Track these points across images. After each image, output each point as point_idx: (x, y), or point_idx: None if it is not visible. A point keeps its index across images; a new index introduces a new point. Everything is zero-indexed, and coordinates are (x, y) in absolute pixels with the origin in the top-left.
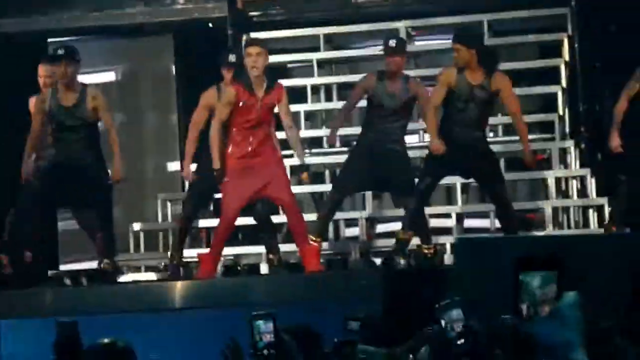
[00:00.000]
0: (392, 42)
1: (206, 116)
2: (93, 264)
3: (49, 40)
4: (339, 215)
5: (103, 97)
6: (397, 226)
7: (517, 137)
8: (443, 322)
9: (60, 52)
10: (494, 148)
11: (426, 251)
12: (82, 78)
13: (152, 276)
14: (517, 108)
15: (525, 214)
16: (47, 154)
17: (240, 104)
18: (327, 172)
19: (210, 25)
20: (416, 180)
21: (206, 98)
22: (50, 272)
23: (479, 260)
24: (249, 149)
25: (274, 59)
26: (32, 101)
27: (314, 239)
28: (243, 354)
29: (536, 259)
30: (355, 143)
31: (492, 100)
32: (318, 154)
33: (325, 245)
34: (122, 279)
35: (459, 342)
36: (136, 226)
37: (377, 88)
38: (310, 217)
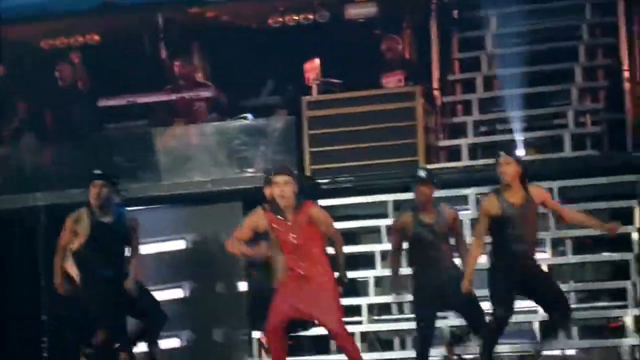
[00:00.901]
0: (422, 172)
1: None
2: None
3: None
4: None
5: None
6: None
7: (591, 304)
8: None
9: (96, 172)
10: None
11: None
12: (151, 247)
13: None
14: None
15: None
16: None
17: (275, 230)
18: (396, 340)
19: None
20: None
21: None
22: None
23: None
24: (300, 272)
25: (342, 225)
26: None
27: None
28: None
29: None
30: (414, 286)
31: (537, 213)
32: (387, 321)
33: None
34: None
35: None
36: None
37: (413, 223)
38: None
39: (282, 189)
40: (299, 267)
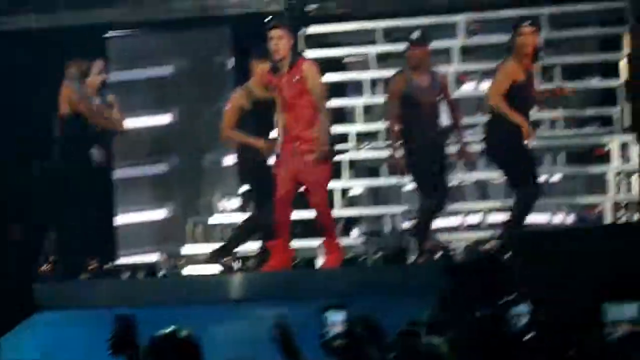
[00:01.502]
0: (415, 34)
1: (235, 118)
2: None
3: (109, 33)
4: (396, 209)
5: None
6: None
7: (578, 131)
8: (508, 317)
9: None
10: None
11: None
12: (137, 73)
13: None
14: None
15: (585, 209)
16: None
17: (273, 87)
18: (383, 167)
19: (266, 19)
20: None
21: (234, 100)
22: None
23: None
24: (293, 133)
25: (331, 52)
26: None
27: None
28: (292, 334)
29: None
30: (406, 144)
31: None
32: (376, 148)
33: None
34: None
35: (526, 337)
36: (193, 220)
37: (409, 85)
38: (366, 211)
39: (276, 42)
40: (293, 128)
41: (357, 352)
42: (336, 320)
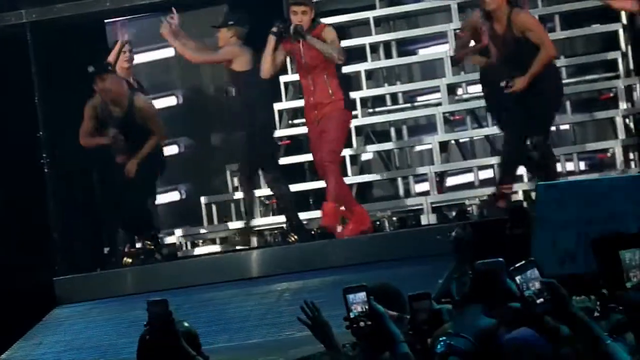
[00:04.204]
0: None
1: None
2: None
3: (106, 21)
4: (408, 171)
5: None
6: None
7: (582, 78)
8: (518, 282)
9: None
10: None
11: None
12: (141, 57)
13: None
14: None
15: (596, 154)
16: None
17: (292, 53)
18: (392, 130)
19: None
20: None
21: None
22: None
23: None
24: (311, 99)
25: (330, 20)
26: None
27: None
28: (321, 312)
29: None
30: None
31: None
32: (382, 112)
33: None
34: (198, 251)
35: (538, 301)
36: (206, 199)
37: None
38: (377, 177)
39: (301, 18)
40: (310, 94)
41: (381, 329)
42: (358, 300)
